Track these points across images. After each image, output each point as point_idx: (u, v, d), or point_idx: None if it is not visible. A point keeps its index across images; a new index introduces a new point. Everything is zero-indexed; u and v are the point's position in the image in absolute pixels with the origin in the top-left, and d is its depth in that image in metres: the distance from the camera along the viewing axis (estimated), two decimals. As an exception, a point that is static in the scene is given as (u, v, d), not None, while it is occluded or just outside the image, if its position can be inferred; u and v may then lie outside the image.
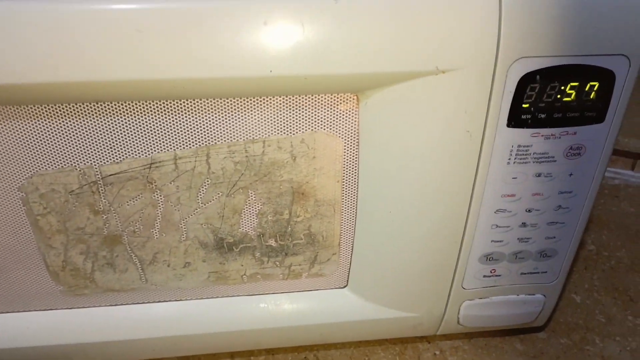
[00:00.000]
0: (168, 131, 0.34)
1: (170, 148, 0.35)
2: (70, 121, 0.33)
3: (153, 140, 0.34)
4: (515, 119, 0.35)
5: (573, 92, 0.34)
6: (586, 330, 0.52)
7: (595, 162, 0.38)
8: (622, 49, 0.33)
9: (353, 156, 0.37)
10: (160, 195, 0.37)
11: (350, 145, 0.37)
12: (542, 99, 0.34)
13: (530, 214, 0.40)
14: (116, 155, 0.34)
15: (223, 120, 0.34)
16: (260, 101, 0.34)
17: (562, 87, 0.34)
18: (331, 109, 0.35)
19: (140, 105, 0.33)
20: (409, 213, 0.39)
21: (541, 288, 0.45)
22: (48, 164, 0.34)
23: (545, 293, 0.45)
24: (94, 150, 0.34)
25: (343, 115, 0.35)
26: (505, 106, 0.34)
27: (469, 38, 0.31)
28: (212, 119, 0.34)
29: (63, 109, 0.32)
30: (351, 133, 0.36)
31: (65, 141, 0.34)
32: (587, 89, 0.34)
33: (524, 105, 0.34)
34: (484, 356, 0.49)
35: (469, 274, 0.43)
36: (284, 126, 0.35)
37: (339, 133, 0.36)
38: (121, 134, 0.34)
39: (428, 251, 0.41)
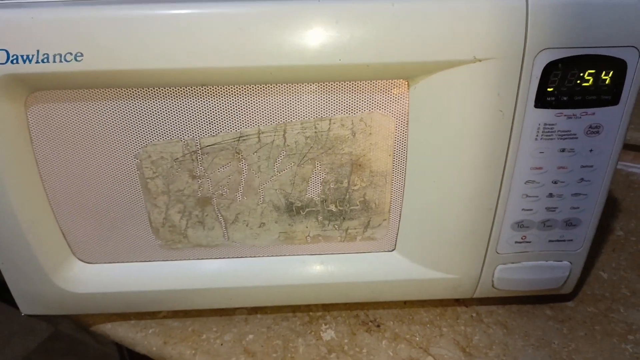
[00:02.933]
0: (254, 110, 0.42)
1: (256, 124, 0.43)
2: (178, 101, 0.42)
3: (242, 118, 0.43)
4: (542, 101, 0.41)
5: (591, 79, 0.41)
6: (612, 301, 0.57)
7: (612, 139, 0.44)
8: (632, 41, 0.39)
9: (403, 133, 0.45)
10: (245, 164, 0.45)
11: (401, 124, 0.44)
12: (564, 84, 0.41)
13: (556, 185, 0.46)
14: (213, 130, 0.43)
15: (298, 102, 0.42)
16: (329, 85, 0.42)
17: (581, 74, 0.41)
18: (385, 92, 0.42)
19: (233, 89, 0.41)
20: (449, 183, 0.46)
21: (567, 255, 0.51)
22: (160, 136, 0.43)
23: (571, 260, 0.51)
24: (196, 125, 0.43)
25: (395, 98, 0.43)
26: (533, 90, 0.41)
27: (501, 32, 0.39)
28: (290, 101, 0.42)
29: (173, 90, 0.41)
30: (402, 113, 0.44)
31: (173, 118, 0.42)
32: (602, 75, 0.41)
33: (548, 89, 0.41)
34: (516, 319, 0.55)
35: (503, 239, 0.49)
36: (347, 107, 0.43)
37: (392, 113, 0.43)
38: (218, 112, 0.42)
39: (466, 218, 0.47)
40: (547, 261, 0.51)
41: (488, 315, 0.56)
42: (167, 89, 0.41)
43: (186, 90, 0.41)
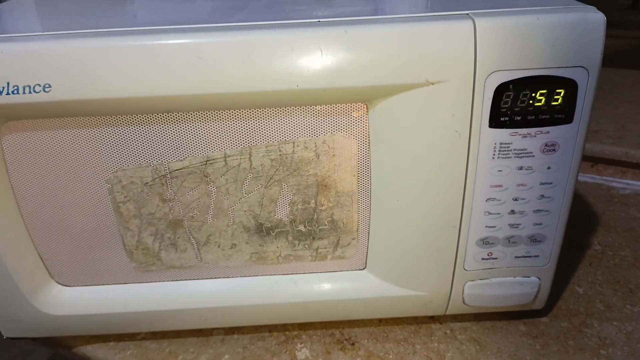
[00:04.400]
0: (220, 135, 0.44)
1: (222, 148, 0.45)
2: (147, 128, 0.43)
3: (209, 142, 0.44)
4: (495, 121, 0.43)
5: (543, 98, 0.42)
6: (586, 316, 0.58)
7: (569, 156, 0.45)
8: (580, 62, 0.41)
9: (366, 154, 0.46)
10: (213, 187, 0.47)
11: (363, 146, 0.46)
12: (517, 104, 0.42)
13: (517, 202, 0.47)
14: (181, 154, 0.45)
15: (262, 126, 0.44)
16: (291, 110, 0.43)
17: (533, 94, 0.42)
18: (346, 115, 0.44)
19: (199, 115, 0.43)
20: (412, 201, 0.47)
21: (535, 271, 0.52)
22: (129, 161, 0.45)
23: (540, 275, 0.52)
24: (164, 150, 0.44)
25: (356, 120, 0.44)
26: (486, 110, 0.42)
27: (451, 56, 0.40)
28: (254, 125, 0.44)
29: (142, 118, 0.43)
30: (363, 135, 0.45)
31: (143, 143, 0.44)
32: (554, 95, 0.42)
33: (501, 109, 0.42)
34: (490, 335, 0.56)
35: (469, 256, 0.50)
36: (309, 130, 0.44)
37: (353, 135, 0.45)
38: (185, 137, 0.44)
39: (431, 235, 0.49)
40: (515, 277, 0.52)
41: (462, 331, 0.56)
42: (134, 116, 0.43)
43: (152, 117, 0.43)
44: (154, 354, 0.55)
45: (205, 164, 0.45)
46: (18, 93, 0.40)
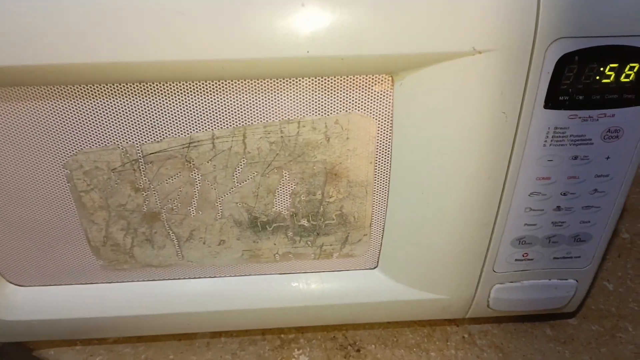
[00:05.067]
0: (207, 111, 0.35)
1: (209, 128, 0.36)
2: (113, 101, 0.34)
3: (192, 120, 0.35)
4: (553, 101, 0.34)
5: (612, 74, 0.34)
6: (618, 318, 0.52)
7: (633, 145, 0.37)
8: (664, 29, 0.32)
9: (387, 138, 0.37)
10: (198, 174, 0.38)
11: (384, 127, 0.37)
12: (581, 80, 0.34)
13: (565, 198, 0.39)
14: (157, 135, 0.36)
15: (260, 101, 0.35)
16: (297, 82, 0.34)
17: (601, 69, 0.33)
18: (366, 90, 0.35)
19: (180, 86, 0.34)
20: (440, 195, 0.39)
21: (574, 273, 0.45)
22: (92, 142, 0.36)
23: (578, 278, 0.45)
24: (136, 129, 0.35)
25: (377, 96, 0.35)
26: (543, 87, 0.34)
27: (506, 18, 0.31)
28: (250, 100, 0.35)
29: (106, 89, 0.33)
30: (385, 114, 0.36)
31: (108, 120, 0.35)
32: (626, 70, 0.34)
33: (561, 87, 0.34)
34: (513, 340, 0.49)
35: (501, 257, 0.43)
36: (319, 107, 0.36)
37: (373, 114, 0.36)
38: (162, 113, 0.35)
39: (459, 234, 0.41)
40: (550, 280, 0.45)
41: (481, 336, 0.50)
42: (97, 87, 0.33)
43: (120, 88, 0.33)
44: (129, 361, 0.47)
45: (188, 146, 0.36)
46: (-64, 53, 0.30)
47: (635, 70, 0.34)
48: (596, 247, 0.43)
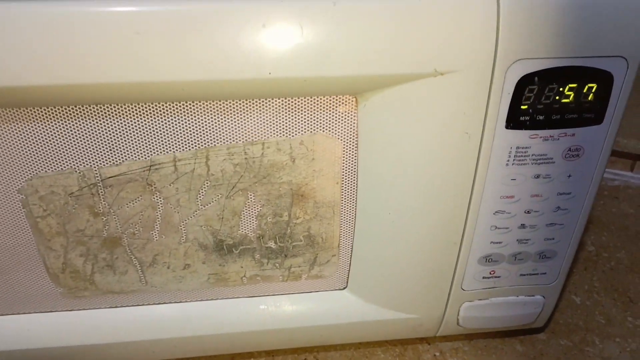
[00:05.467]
0: (167, 133, 0.34)
1: (170, 150, 0.35)
2: (69, 123, 0.33)
3: (152, 143, 0.34)
4: (514, 121, 0.35)
5: (571, 94, 0.34)
6: (586, 332, 0.52)
7: (594, 163, 0.38)
8: (620, 51, 0.33)
9: (352, 158, 0.37)
10: (160, 197, 0.37)
11: (350, 147, 0.37)
12: (541, 101, 0.34)
13: (529, 215, 0.40)
14: (116, 158, 0.35)
15: (222, 123, 0.34)
16: (260, 103, 0.34)
17: (561, 89, 0.34)
18: (330, 111, 0.35)
19: (139, 108, 0.33)
20: (408, 214, 0.39)
21: (540, 289, 0.45)
22: (47, 166, 0.34)
23: (545, 294, 0.45)
24: (94, 152, 0.34)
25: (342, 117, 0.35)
26: (504, 108, 0.34)
27: (467, 40, 0.31)
28: (212, 121, 0.34)
29: (62, 111, 0.32)
30: (350, 135, 0.36)
31: (64, 143, 0.34)
32: (585, 90, 0.34)
33: (522, 107, 0.34)
34: (484, 357, 0.49)
35: (469, 275, 0.43)
36: (283, 128, 0.35)
37: (338, 135, 0.36)
38: (120, 136, 0.34)
39: (427, 252, 0.41)
40: (517, 296, 0.45)
41: (453, 353, 0.50)
42: (52, 109, 0.32)
43: (77, 111, 0.32)
44: (91, 392, 0.45)
45: (149, 169, 0.35)
46: None
47: (593, 90, 0.35)
48: (562, 263, 0.43)
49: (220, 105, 0.33)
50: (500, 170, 0.37)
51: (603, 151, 0.37)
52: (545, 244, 0.42)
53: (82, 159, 0.34)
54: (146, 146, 0.34)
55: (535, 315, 0.46)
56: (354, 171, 0.38)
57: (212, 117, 0.34)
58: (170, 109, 0.33)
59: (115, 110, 0.33)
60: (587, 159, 0.37)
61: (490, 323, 0.46)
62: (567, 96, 0.34)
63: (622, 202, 0.72)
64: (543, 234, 0.41)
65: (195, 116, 0.34)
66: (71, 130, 0.33)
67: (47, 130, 0.33)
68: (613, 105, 0.35)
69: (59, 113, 0.32)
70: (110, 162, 0.35)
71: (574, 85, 0.34)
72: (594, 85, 0.34)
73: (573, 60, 0.33)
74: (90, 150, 0.34)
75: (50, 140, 0.33)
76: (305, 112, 0.35)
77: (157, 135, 0.34)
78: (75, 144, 0.34)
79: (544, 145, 0.36)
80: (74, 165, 0.34)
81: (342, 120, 0.35)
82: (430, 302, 0.44)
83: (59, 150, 0.34)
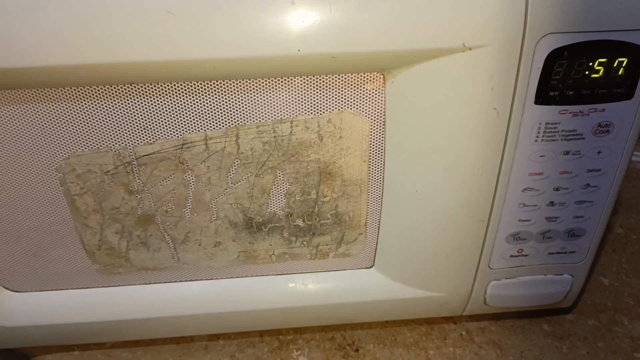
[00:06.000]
0: (199, 112, 0.35)
1: (201, 129, 0.36)
2: (105, 103, 0.34)
3: (185, 121, 0.35)
4: (543, 96, 0.35)
5: (601, 69, 0.34)
6: (614, 312, 0.52)
7: (624, 139, 0.37)
8: (653, 23, 0.33)
9: (379, 136, 0.38)
10: (192, 176, 0.38)
11: (377, 125, 0.37)
12: (570, 76, 0.34)
13: (558, 193, 0.39)
14: (149, 136, 0.36)
15: (252, 101, 0.35)
16: (288, 81, 0.34)
17: (590, 63, 0.34)
18: (358, 88, 0.35)
19: (171, 87, 0.34)
20: (435, 192, 0.39)
21: (569, 268, 0.45)
22: (84, 145, 0.36)
23: (573, 273, 0.45)
24: (128, 131, 0.35)
25: (369, 94, 0.36)
26: (533, 83, 0.34)
27: (496, 14, 0.31)
28: (242, 100, 0.35)
29: (98, 91, 0.33)
30: (378, 112, 0.36)
31: (100, 123, 0.35)
32: (615, 65, 0.34)
33: (551, 82, 0.34)
34: (510, 337, 0.49)
35: (496, 253, 0.43)
36: (311, 106, 0.36)
37: (366, 112, 0.36)
38: (154, 115, 0.35)
39: (455, 230, 0.41)
40: (545, 275, 0.45)
41: (479, 333, 0.50)
42: (88, 89, 0.33)
43: (112, 90, 0.33)
44: (126, 366, 0.47)
45: (181, 148, 0.36)
46: None
47: (623, 64, 0.34)
48: (590, 241, 0.43)
49: (249, 83, 0.34)
50: (529, 146, 0.37)
51: (633, 127, 0.37)
52: (574, 222, 0.41)
53: (118, 138, 0.35)
54: (178, 125, 0.35)
55: (563, 294, 0.46)
56: (382, 149, 0.38)
57: (242, 96, 0.34)
58: (201, 88, 0.34)
59: (149, 90, 0.34)
60: (617, 135, 0.37)
61: (517, 302, 0.46)
62: (597, 71, 0.34)
63: (652, 185, 0.71)
64: (572, 212, 0.41)
65: (225, 95, 0.34)
66: (107, 110, 0.34)
67: (83, 109, 0.34)
68: (645, 79, 0.35)
69: (95, 93, 0.33)
70: (144, 140, 0.36)
71: (604, 59, 0.34)
72: (625, 60, 0.34)
73: (603, 34, 0.33)
74: (125, 129, 0.35)
75: (86, 120, 0.35)
76: (333, 89, 0.35)
77: (189, 114, 0.35)
78: (110, 123, 0.35)
79: (574, 121, 0.36)
80: (109, 144, 0.36)
81: (369, 97, 0.36)
82: (457, 281, 0.44)
83: (95, 129, 0.35)
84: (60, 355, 0.48)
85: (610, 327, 0.50)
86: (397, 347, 0.48)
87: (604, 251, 0.60)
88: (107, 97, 0.34)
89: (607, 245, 0.61)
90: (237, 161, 0.37)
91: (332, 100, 0.35)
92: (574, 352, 0.48)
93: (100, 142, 0.36)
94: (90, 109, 0.34)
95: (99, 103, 0.34)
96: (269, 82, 0.34)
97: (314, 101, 0.35)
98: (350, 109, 0.36)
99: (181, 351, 0.48)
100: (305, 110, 0.36)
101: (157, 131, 0.35)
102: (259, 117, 0.36)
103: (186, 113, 0.35)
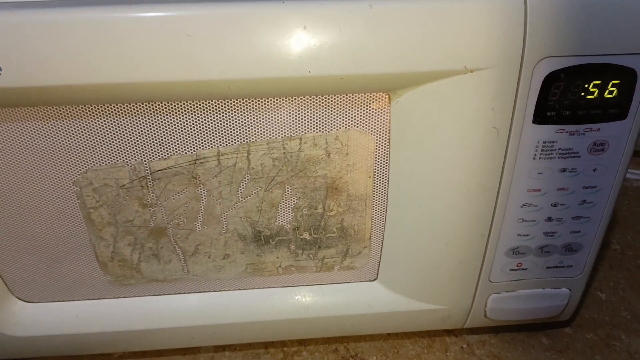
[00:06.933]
0: (212, 129, 0.37)
1: (214, 145, 0.37)
2: (122, 120, 0.36)
3: (198, 138, 0.37)
4: (541, 116, 0.36)
5: (596, 90, 0.36)
6: (612, 327, 0.53)
7: (619, 157, 0.39)
8: (644, 48, 0.34)
9: (384, 153, 0.39)
10: (204, 190, 0.39)
11: (382, 142, 0.39)
12: (567, 97, 0.36)
13: (555, 209, 0.41)
14: (164, 152, 0.37)
15: (263, 119, 0.36)
16: (299, 100, 0.36)
17: (586, 85, 0.36)
18: (364, 107, 0.37)
19: (187, 105, 0.35)
20: (437, 207, 0.40)
21: (566, 282, 0.46)
22: (102, 160, 0.37)
23: (571, 287, 0.46)
24: (144, 147, 0.37)
25: (375, 113, 0.37)
26: (531, 103, 0.36)
27: (496, 39, 0.33)
28: (254, 117, 0.36)
29: (116, 108, 0.35)
30: (383, 130, 0.38)
31: (117, 139, 0.36)
32: (609, 86, 0.36)
33: (549, 103, 0.36)
34: (510, 350, 0.50)
35: (496, 267, 0.44)
36: (320, 124, 0.37)
37: (371, 130, 0.38)
38: (169, 131, 0.36)
39: (456, 245, 0.42)
40: (544, 289, 0.46)
41: (480, 346, 0.51)
42: (107, 107, 0.35)
43: (129, 108, 0.35)
44: (134, 376, 0.48)
45: (195, 163, 0.38)
46: (-43, 77, 0.31)
47: (617, 86, 0.36)
48: (587, 256, 0.45)
49: (261, 102, 0.36)
50: (527, 164, 0.38)
51: (627, 146, 0.39)
52: (571, 236, 0.43)
53: (134, 153, 0.37)
54: (192, 141, 0.37)
55: (561, 307, 0.47)
56: (386, 165, 0.40)
57: (254, 114, 0.36)
58: (216, 106, 0.35)
59: (165, 108, 0.35)
60: (612, 153, 0.39)
61: (517, 315, 0.47)
62: (592, 92, 0.36)
63: (648, 202, 0.73)
64: (569, 227, 0.42)
65: (238, 113, 0.36)
66: (124, 127, 0.36)
67: (101, 126, 0.36)
68: (637, 100, 0.37)
69: (114, 110, 0.35)
70: (159, 156, 0.37)
71: (598, 82, 0.36)
72: (618, 81, 0.36)
73: (597, 57, 0.35)
74: (141, 145, 0.37)
75: (104, 136, 0.36)
76: (340, 108, 0.37)
77: (203, 131, 0.37)
78: (127, 139, 0.36)
79: (570, 140, 0.38)
80: (126, 159, 0.37)
81: (375, 116, 0.37)
82: (458, 294, 0.46)
83: (113, 145, 0.37)
84: (69, 365, 0.49)
85: (608, 341, 0.51)
86: (400, 359, 0.49)
87: (601, 267, 0.61)
88: (125, 115, 0.35)
89: (604, 261, 0.62)
90: (247, 176, 0.39)
91: (340, 118, 0.37)
92: (573, 365, 0.49)
93: (117, 157, 0.37)
94: (108, 125, 0.36)
95: (117, 120, 0.35)
96: (280, 101, 0.36)
97: (322, 119, 0.37)
98: (357, 127, 0.38)
99: (188, 362, 0.49)
100: (313, 127, 0.37)
101: (172, 147, 0.37)
102: (270, 134, 0.37)
103: (200, 130, 0.36)
